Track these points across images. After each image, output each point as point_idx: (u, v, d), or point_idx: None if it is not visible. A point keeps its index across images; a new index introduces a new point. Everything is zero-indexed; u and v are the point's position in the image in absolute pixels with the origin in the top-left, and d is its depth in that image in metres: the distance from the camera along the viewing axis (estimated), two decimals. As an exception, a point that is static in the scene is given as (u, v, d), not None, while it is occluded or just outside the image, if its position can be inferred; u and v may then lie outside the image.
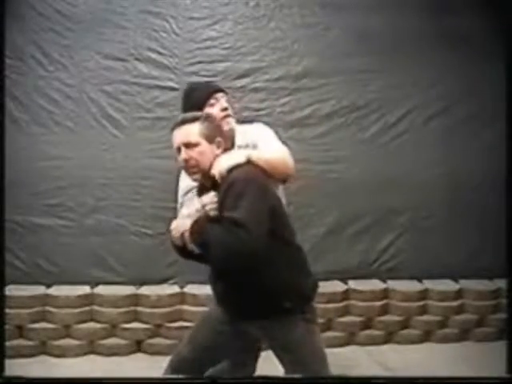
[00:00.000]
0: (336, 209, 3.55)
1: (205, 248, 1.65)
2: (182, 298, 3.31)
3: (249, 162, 1.77)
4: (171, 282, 3.40)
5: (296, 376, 1.81)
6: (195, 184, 1.92)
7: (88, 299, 3.22)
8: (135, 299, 3.26)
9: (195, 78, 3.33)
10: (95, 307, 3.22)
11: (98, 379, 1.79)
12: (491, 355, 2.98)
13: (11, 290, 3.12)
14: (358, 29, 3.54)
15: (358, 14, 3.55)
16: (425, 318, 3.49)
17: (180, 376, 1.93)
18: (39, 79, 3.30)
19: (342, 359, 3.08)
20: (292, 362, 1.86)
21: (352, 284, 3.51)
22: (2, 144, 2.54)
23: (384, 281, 3.58)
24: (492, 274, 3.62)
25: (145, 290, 3.32)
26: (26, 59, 3.29)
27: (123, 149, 3.37)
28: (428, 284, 3.57)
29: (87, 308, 3.21)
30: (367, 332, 3.44)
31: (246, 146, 2.05)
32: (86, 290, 3.26)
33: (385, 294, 3.50)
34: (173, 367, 1.98)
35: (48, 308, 3.17)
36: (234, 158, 1.77)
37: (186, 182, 2.02)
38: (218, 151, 1.81)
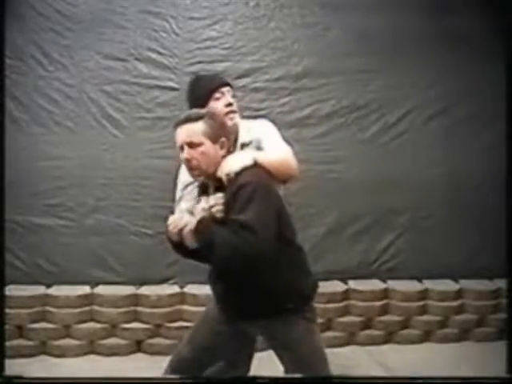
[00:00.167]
0: (336, 209, 3.55)
1: (209, 248, 1.64)
2: (181, 298, 3.31)
3: (255, 164, 1.77)
4: (171, 282, 3.40)
5: (296, 376, 1.81)
6: None
7: (88, 299, 3.22)
8: (135, 299, 3.26)
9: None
10: (95, 307, 3.23)
11: (97, 379, 1.78)
12: (491, 355, 2.98)
13: (11, 290, 3.12)
14: (357, 29, 3.55)
15: (357, 14, 3.55)
16: (425, 318, 3.49)
17: (180, 376, 1.93)
18: (39, 79, 3.31)
19: (342, 359, 3.08)
20: (292, 361, 1.86)
21: (352, 284, 3.51)
22: (2, 144, 2.54)
23: (384, 281, 3.58)
24: (492, 274, 3.62)
25: (145, 289, 3.32)
26: (26, 59, 3.29)
27: (123, 149, 3.37)
28: (428, 284, 3.57)
29: (87, 308, 3.21)
30: (367, 332, 3.44)
31: (250, 143, 2.03)
32: (86, 290, 3.26)
33: (385, 294, 3.50)
34: (173, 367, 1.98)
35: (48, 308, 3.17)
36: (242, 160, 1.76)
37: (186, 175, 1.99)
38: (222, 151, 1.80)
